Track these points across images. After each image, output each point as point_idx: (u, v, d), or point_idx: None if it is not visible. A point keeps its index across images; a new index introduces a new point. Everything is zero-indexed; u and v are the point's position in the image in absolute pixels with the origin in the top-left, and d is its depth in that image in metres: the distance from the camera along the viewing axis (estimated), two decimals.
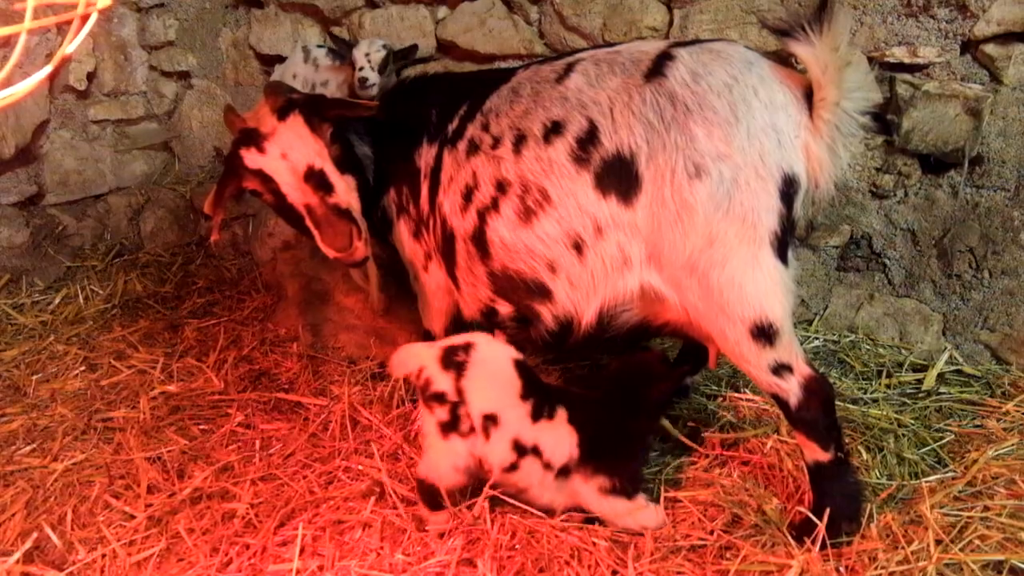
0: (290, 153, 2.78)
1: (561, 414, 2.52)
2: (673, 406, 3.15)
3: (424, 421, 2.61)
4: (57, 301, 4.58)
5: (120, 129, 5.33)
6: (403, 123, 3.04)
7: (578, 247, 2.49)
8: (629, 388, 2.57)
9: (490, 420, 2.48)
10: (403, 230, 3.07)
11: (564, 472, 2.50)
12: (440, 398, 2.52)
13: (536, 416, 2.50)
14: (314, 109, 2.83)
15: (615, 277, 2.49)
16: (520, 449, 2.48)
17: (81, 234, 5.07)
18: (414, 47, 4.20)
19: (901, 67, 3.36)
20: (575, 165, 2.46)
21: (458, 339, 2.62)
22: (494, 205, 2.62)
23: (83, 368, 3.94)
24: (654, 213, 2.37)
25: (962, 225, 3.35)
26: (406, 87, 3.27)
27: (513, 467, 2.51)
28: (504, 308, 2.75)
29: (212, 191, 2.90)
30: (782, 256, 2.35)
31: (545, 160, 2.51)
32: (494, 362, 2.56)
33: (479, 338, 2.63)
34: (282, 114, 2.80)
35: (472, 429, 2.50)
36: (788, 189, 2.33)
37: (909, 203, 3.46)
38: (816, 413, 2.37)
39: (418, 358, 2.61)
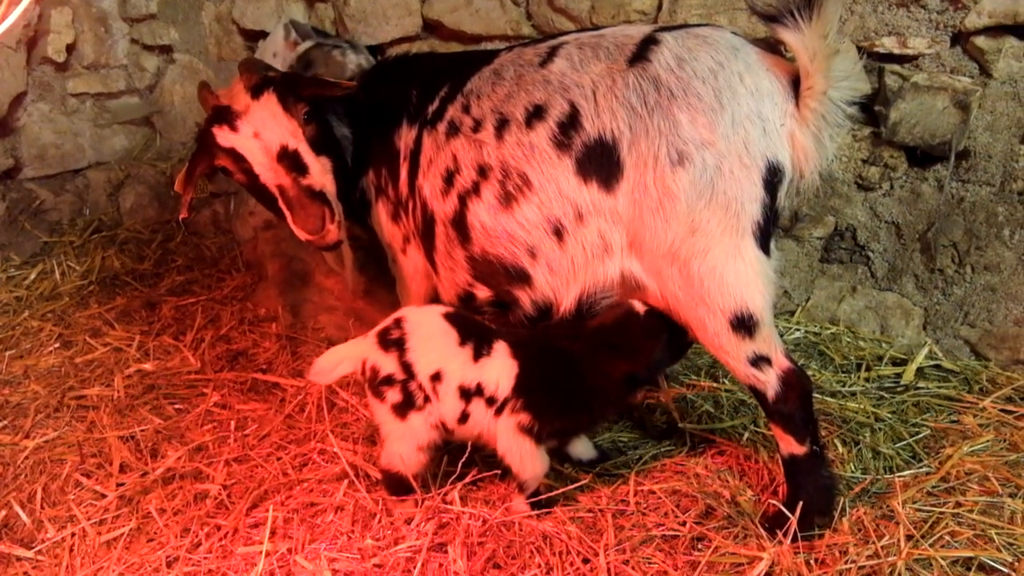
0: (263, 132, 2.73)
1: (501, 347, 2.51)
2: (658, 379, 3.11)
3: (377, 413, 2.60)
4: (33, 276, 4.52)
5: (100, 103, 5.23)
6: (383, 103, 2.98)
7: (558, 233, 2.46)
8: (610, 343, 2.50)
9: (435, 379, 2.50)
10: (381, 212, 3.03)
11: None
12: (389, 381, 2.52)
13: (477, 356, 2.51)
14: (289, 87, 2.77)
15: (595, 264, 2.47)
16: (465, 394, 2.49)
17: (59, 209, 4.99)
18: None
19: (890, 57, 3.33)
20: (556, 150, 2.42)
21: (385, 321, 2.64)
22: (475, 189, 2.58)
23: (57, 345, 3.89)
24: (636, 200, 2.34)
25: (946, 220, 3.34)
26: (386, 67, 3.21)
27: (464, 417, 2.51)
28: (482, 293, 2.72)
29: (183, 168, 2.85)
30: (764, 247, 2.33)
31: (526, 145, 2.47)
32: (427, 324, 2.58)
33: (404, 311, 2.68)
34: (256, 92, 2.74)
35: (427, 399, 2.50)
36: (772, 178, 2.30)
37: (894, 196, 3.45)
38: (793, 406, 2.36)
39: (356, 354, 2.61)
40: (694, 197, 2.27)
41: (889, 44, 3.29)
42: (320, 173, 2.77)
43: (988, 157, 3.24)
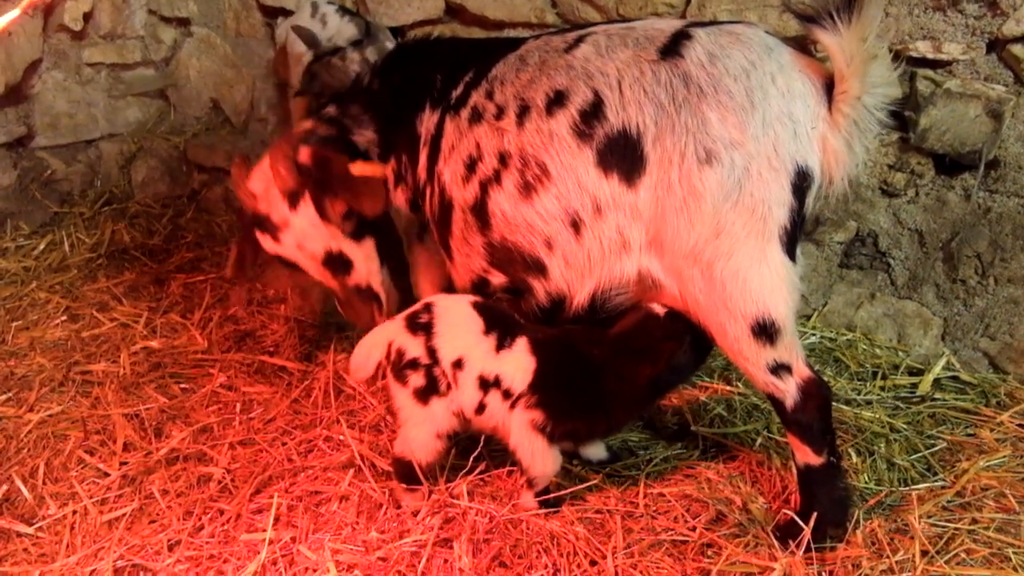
0: (306, 243, 2.79)
1: (522, 342, 2.49)
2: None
3: (397, 397, 2.56)
4: (42, 247, 4.49)
5: (115, 73, 5.18)
6: (405, 88, 2.92)
7: (576, 226, 2.41)
8: (631, 347, 2.46)
9: (457, 366, 2.48)
10: (400, 200, 2.98)
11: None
12: (414, 364, 2.49)
13: (500, 347, 2.49)
14: (324, 189, 2.72)
15: (612, 260, 2.42)
16: (484, 384, 2.47)
17: (70, 179, 4.96)
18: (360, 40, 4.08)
19: (923, 62, 3.25)
20: (577, 140, 2.36)
21: (415, 306, 2.62)
22: (496, 178, 2.52)
23: (64, 318, 3.86)
24: (659, 197, 2.28)
25: (971, 229, 3.27)
26: (408, 50, 3.15)
27: (481, 408, 2.49)
28: (497, 279, 2.68)
29: (233, 255, 2.90)
30: (790, 252, 2.27)
31: (545, 133, 2.41)
32: (455, 311, 2.57)
33: (433, 297, 2.67)
34: (293, 201, 2.73)
35: (449, 386, 2.48)
36: (801, 183, 2.25)
37: (919, 203, 3.38)
38: (812, 416, 2.31)
39: (383, 338, 2.59)
40: (720, 198, 2.21)
41: (923, 48, 3.21)
42: (364, 262, 2.83)
43: (1018, 168, 3.17)
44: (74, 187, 4.98)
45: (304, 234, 2.76)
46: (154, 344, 3.63)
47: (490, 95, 2.59)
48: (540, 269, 2.53)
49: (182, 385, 3.38)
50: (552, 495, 2.53)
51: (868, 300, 3.55)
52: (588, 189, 2.36)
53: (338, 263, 2.83)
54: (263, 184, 2.80)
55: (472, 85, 2.66)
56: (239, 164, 2.90)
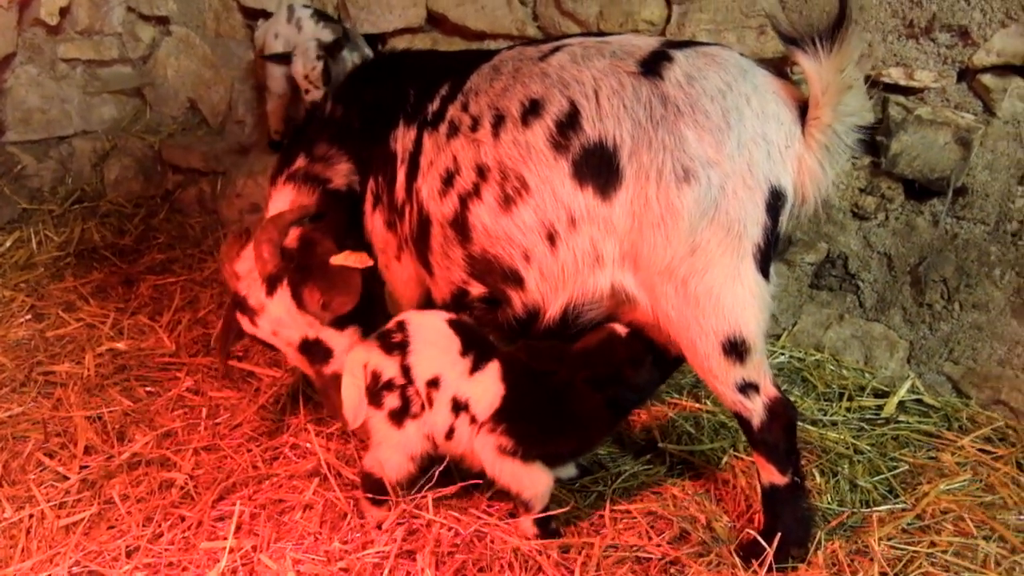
0: (281, 331, 2.70)
1: (494, 368, 2.46)
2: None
3: (372, 419, 2.52)
4: (8, 244, 4.42)
5: (91, 70, 5.12)
6: (375, 106, 2.87)
7: (551, 238, 2.40)
8: (592, 367, 2.44)
9: (432, 385, 2.44)
10: (378, 221, 2.90)
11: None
12: (389, 386, 2.46)
13: (474, 369, 2.46)
14: (304, 276, 2.63)
15: (586, 273, 2.41)
16: (456, 407, 2.44)
17: (40, 176, 4.89)
18: (338, 40, 4.11)
19: (896, 88, 3.31)
20: (552, 151, 2.36)
21: (388, 325, 2.57)
22: (475, 191, 2.51)
23: (29, 317, 3.80)
24: (635, 212, 2.29)
25: (939, 255, 3.33)
26: (375, 66, 3.11)
27: (451, 432, 2.46)
28: (476, 289, 2.65)
29: (220, 330, 2.86)
30: (764, 271, 2.29)
31: (522, 144, 2.40)
32: (431, 327, 2.53)
33: (406, 314, 2.61)
34: (270, 287, 2.64)
35: (423, 406, 2.45)
36: (775, 202, 2.27)
37: (889, 227, 3.43)
38: (778, 436, 2.33)
39: (360, 360, 2.53)
40: (697, 215, 2.23)
41: (896, 75, 3.27)
42: (347, 351, 2.69)
43: (985, 196, 3.23)
44: (44, 184, 4.90)
45: (279, 321, 2.68)
46: (120, 346, 3.58)
47: (465, 107, 2.57)
48: (517, 281, 2.52)
49: (147, 388, 3.34)
50: (550, 512, 2.47)
51: (837, 321, 3.59)
52: (563, 201, 2.36)
53: (316, 351, 2.72)
54: (248, 265, 2.73)
55: (448, 99, 2.64)
56: (231, 241, 2.84)
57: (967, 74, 3.21)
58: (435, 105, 2.66)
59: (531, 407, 2.45)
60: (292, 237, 2.74)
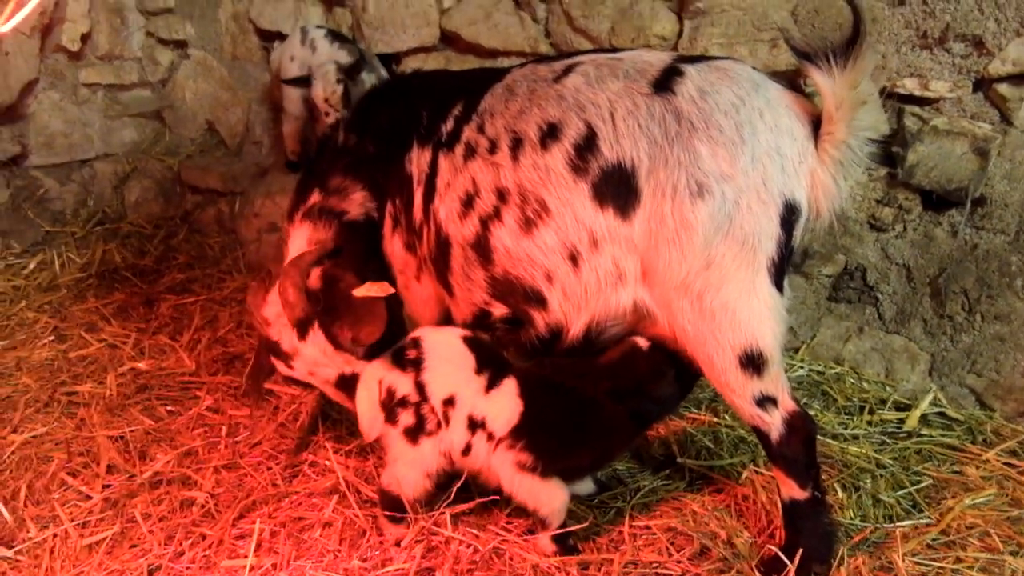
0: (318, 371, 2.77)
1: (511, 384, 2.46)
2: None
3: (387, 435, 2.53)
4: (32, 266, 4.48)
5: (111, 94, 5.21)
6: (389, 128, 2.88)
7: (574, 259, 2.41)
8: (615, 380, 2.45)
9: (448, 403, 2.45)
10: (397, 243, 2.92)
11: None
12: (403, 403, 2.47)
13: (490, 387, 2.47)
14: (333, 316, 2.66)
15: (608, 292, 2.42)
16: (472, 425, 2.45)
17: (63, 199, 4.97)
18: (357, 63, 4.17)
19: (911, 99, 3.30)
20: (572, 174, 2.37)
21: (403, 342, 2.58)
22: (496, 214, 2.52)
23: (52, 338, 3.85)
24: (651, 229, 2.30)
25: (959, 266, 3.30)
26: (386, 91, 3.13)
27: (468, 449, 2.47)
28: (498, 310, 2.66)
29: (250, 370, 2.91)
30: (778, 284, 2.29)
31: (542, 167, 2.42)
32: (445, 344, 2.54)
33: (421, 331, 2.62)
34: (301, 331, 2.69)
35: (439, 424, 2.45)
36: (789, 216, 2.27)
37: (907, 238, 3.41)
38: (797, 450, 2.31)
39: (375, 375, 2.54)
40: (712, 230, 2.23)
41: (911, 86, 3.26)
42: None
43: (1004, 206, 3.20)
44: (67, 206, 4.98)
45: (315, 362, 2.74)
46: (141, 365, 3.61)
47: (481, 129, 2.59)
48: (540, 301, 2.53)
49: (168, 407, 3.36)
50: (569, 528, 2.46)
51: (856, 334, 3.57)
52: (585, 223, 2.37)
53: (354, 385, 2.72)
54: (276, 309, 2.75)
55: (463, 119, 2.66)
56: (256, 288, 2.87)
57: (983, 84, 3.20)
58: (449, 125, 2.68)
59: (551, 421, 2.45)
60: (315, 277, 2.75)
